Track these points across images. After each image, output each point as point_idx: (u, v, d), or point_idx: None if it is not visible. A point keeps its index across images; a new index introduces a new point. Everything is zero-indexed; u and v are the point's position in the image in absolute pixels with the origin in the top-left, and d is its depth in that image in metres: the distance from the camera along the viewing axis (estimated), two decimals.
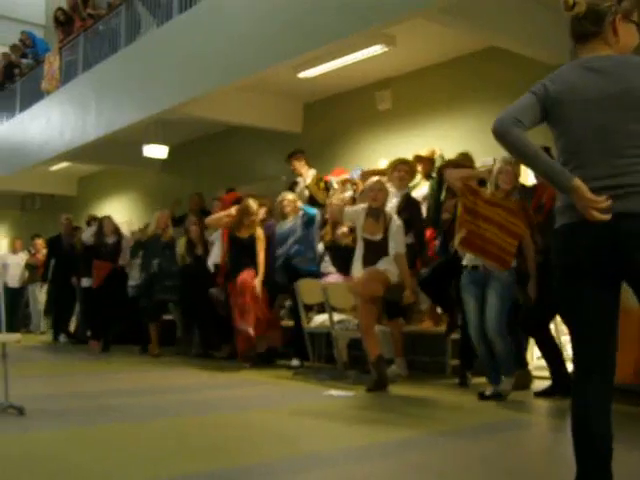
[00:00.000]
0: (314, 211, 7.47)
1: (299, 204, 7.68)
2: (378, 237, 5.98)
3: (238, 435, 4.21)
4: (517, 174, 5.57)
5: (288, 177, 8.88)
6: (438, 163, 7.13)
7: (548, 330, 5.64)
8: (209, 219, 8.25)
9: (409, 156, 7.21)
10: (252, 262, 7.55)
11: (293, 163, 8.56)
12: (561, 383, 5.34)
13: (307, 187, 8.28)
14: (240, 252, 7.65)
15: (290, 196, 7.80)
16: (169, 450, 3.76)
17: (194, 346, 9.00)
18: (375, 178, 6.22)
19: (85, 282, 10.22)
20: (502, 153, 6.99)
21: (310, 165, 8.54)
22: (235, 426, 4.51)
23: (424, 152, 7.29)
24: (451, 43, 7.39)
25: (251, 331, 7.27)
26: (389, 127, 8.43)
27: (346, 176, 7.79)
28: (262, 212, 8.11)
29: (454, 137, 7.55)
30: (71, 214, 12.00)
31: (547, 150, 5.48)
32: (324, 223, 7.51)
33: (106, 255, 9.58)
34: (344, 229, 7.15)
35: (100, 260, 9.58)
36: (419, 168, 7.16)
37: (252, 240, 7.63)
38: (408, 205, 6.61)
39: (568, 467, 2.44)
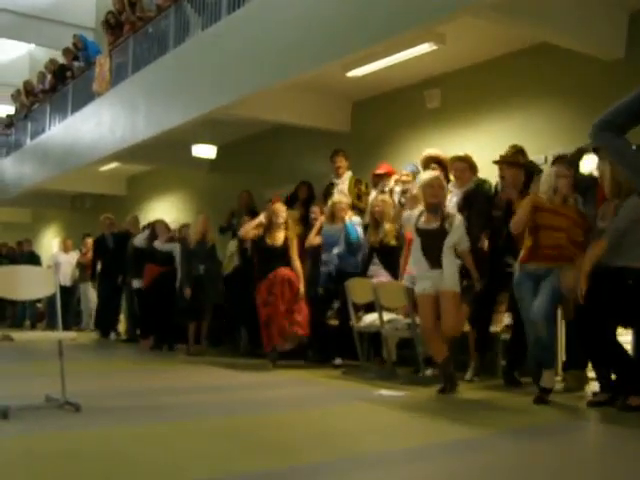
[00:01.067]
0: (355, 235, 7.50)
1: (350, 215, 7.69)
2: (434, 226, 5.74)
3: (292, 435, 4.21)
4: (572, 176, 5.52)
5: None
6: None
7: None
8: (241, 232, 8.27)
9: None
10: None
11: (338, 160, 8.55)
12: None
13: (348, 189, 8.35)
14: (270, 259, 7.56)
15: (345, 200, 7.80)
16: (224, 448, 3.79)
17: (242, 345, 9.07)
18: (433, 174, 6.05)
19: (136, 283, 10.40)
20: (552, 151, 6.95)
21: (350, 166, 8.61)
22: (288, 425, 4.52)
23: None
24: (500, 40, 7.29)
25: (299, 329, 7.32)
26: (438, 126, 8.36)
27: (397, 176, 7.69)
28: (294, 215, 8.19)
29: (504, 136, 7.44)
30: (111, 214, 12.20)
31: None
32: (366, 226, 7.51)
33: (157, 258, 9.70)
34: (388, 227, 7.14)
35: (151, 263, 9.70)
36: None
37: (280, 248, 7.56)
38: (466, 200, 6.44)
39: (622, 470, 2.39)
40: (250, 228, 7.90)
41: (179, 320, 9.20)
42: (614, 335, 4.97)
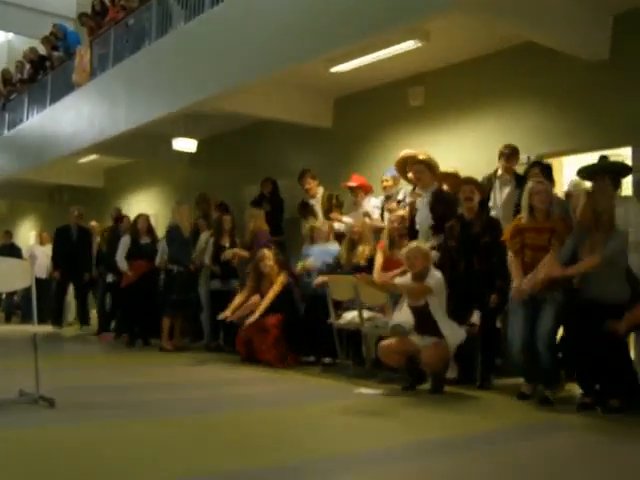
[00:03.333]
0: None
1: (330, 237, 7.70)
2: (421, 303, 5.72)
3: (269, 433, 4.17)
4: (550, 191, 5.52)
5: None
6: None
7: None
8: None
9: (438, 153, 7.12)
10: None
11: (308, 182, 8.52)
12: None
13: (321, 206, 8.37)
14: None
15: (326, 227, 7.75)
16: (200, 446, 3.73)
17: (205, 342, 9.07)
18: (412, 245, 5.97)
19: (109, 277, 10.31)
20: (535, 152, 6.96)
21: (320, 183, 8.62)
22: (266, 423, 4.48)
23: (449, 169, 7.12)
24: (485, 39, 7.28)
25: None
26: (421, 123, 8.33)
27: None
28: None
29: (487, 135, 7.45)
30: (89, 207, 12.10)
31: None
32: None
33: (142, 254, 9.55)
34: (361, 249, 7.12)
35: (136, 259, 9.55)
36: (444, 186, 6.99)
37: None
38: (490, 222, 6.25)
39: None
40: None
41: (169, 314, 8.97)
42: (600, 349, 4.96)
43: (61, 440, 3.80)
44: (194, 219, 9.62)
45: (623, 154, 6.88)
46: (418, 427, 4.47)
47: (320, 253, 7.59)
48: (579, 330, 5.06)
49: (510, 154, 6.60)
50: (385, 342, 5.89)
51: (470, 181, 6.30)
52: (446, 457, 3.70)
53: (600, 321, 4.86)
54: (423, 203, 6.63)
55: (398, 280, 6.06)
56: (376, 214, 7.75)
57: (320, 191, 8.54)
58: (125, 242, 9.69)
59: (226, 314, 7.58)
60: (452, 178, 6.75)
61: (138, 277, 9.43)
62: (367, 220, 7.58)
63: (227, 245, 8.77)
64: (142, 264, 9.47)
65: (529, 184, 5.58)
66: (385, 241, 6.90)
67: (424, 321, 5.68)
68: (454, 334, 5.65)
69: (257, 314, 7.34)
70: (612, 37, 6.61)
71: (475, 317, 6.34)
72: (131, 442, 3.80)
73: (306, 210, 8.55)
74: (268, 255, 7.65)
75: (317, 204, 8.49)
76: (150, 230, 9.80)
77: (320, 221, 7.92)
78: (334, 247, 7.61)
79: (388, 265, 6.72)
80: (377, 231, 7.43)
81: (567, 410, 5.09)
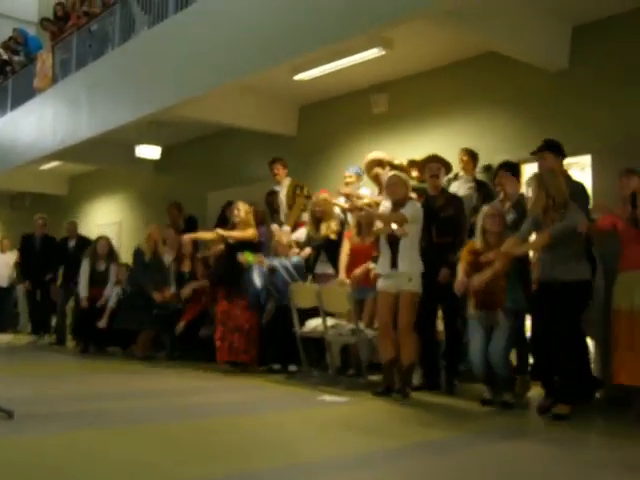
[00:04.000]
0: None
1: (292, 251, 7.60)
2: (390, 231, 5.81)
3: (231, 441, 4.14)
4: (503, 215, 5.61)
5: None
6: None
7: None
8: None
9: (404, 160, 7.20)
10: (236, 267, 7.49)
11: (277, 168, 8.52)
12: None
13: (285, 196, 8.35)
14: (232, 258, 7.56)
15: (285, 238, 7.63)
16: (160, 456, 3.69)
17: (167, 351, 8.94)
18: (392, 172, 6.11)
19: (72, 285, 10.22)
20: (497, 159, 7.03)
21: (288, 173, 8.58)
22: (228, 432, 4.45)
23: (418, 157, 7.22)
24: (449, 47, 7.35)
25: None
26: (385, 131, 8.38)
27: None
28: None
29: (450, 142, 7.51)
30: (52, 214, 11.93)
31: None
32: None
33: (97, 282, 9.52)
34: (328, 224, 7.15)
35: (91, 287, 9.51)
36: (414, 173, 7.10)
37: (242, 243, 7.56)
38: (452, 197, 6.41)
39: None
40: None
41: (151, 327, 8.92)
42: (560, 344, 5.01)
43: (18, 452, 3.73)
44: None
45: (582, 162, 7.01)
46: (380, 434, 4.47)
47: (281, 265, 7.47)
48: (537, 320, 5.14)
49: (468, 156, 6.69)
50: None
51: (435, 159, 6.38)
52: (407, 463, 3.70)
53: (557, 302, 4.93)
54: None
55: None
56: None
57: (287, 180, 8.48)
58: (85, 269, 9.68)
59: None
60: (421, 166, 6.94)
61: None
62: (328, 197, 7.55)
63: (187, 270, 8.74)
64: (93, 292, 9.47)
65: (484, 208, 5.67)
66: (353, 230, 6.92)
67: (394, 252, 5.76)
68: (412, 271, 5.72)
69: (224, 234, 7.54)
70: (571, 47, 6.72)
71: (439, 325, 6.41)
72: (89, 453, 3.74)
73: (272, 198, 8.50)
74: (240, 206, 7.63)
75: (282, 191, 8.45)
76: (110, 253, 9.76)
77: (279, 231, 7.81)
78: (296, 259, 7.50)
79: (357, 253, 6.75)
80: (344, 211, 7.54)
81: (528, 414, 5.15)
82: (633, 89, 6.24)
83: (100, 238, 9.95)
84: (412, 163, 7.18)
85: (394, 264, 5.77)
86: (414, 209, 5.79)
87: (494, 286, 5.27)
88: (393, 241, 5.80)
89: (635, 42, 6.25)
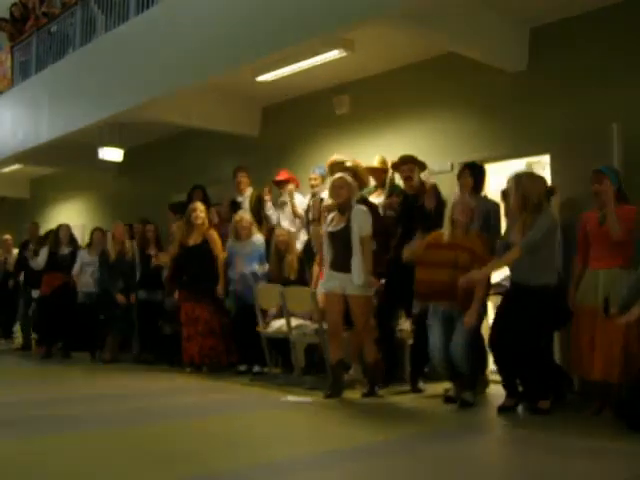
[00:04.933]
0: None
1: (255, 231, 7.62)
2: (341, 226, 5.80)
3: (194, 444, 4.14)
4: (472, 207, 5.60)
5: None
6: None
7: None
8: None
9: (365, 162, 7.23)
10: (202, 270, 7.49)
11: (241, 176, 8.47)
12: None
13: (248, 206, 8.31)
14: (189, 261, 7.57)
15: (248, 217, 7.66)
16: (123, 460, 3.68)
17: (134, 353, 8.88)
18: (337, 175, 6.10)
19: (35, 293, 10.08)
20: (458, 159, 7.12)
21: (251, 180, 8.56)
22: (191, 434, 4.44)
23: (375, 162, 7.26)
24: (409, 49, 7.40)
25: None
26: (347, 132, 8.41)
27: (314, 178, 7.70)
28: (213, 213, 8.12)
29: (412, 142, 7.57)
30: (17, 217, 11.74)
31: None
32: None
33: (60, 266, 9.39)
34: (290, 259, 7.14)
35: (53, 271, 9.39)
36: (371, 179, 7.16)
37: (201, 247, 7.55)
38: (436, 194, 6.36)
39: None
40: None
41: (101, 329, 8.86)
42: (529, 347, 5.07)
43: None
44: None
45: (543, 161, 7.12)
46: (342, 433, 4.49)
47: (245, 254, 7.47)
48: (501, 320, 5.17)
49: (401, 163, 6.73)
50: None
51: (406, 160, 6.41)
52: (366, 463, 3.73)
53: (523, 306, 4.99)
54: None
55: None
56: (301, 209, 7.78)
57: (249, 190, 8.46)
58: (44, 252, 9.62)
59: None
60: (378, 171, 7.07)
61: (52, 290, 9.31)
62: (291, 230, 7.61)
63: (153, 253, 8.70)
64: (57, 277, 9.34)
65: (453, 197, 5.71)
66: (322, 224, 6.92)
67: (342, 252, 5.74)
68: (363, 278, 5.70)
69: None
70: (530, 49, 6.81)
71: (406, 324, 6.45)
72: (51, 459, 3.72)
73: (235, 209, 8.49)
74: (201, 207, 7.64)
75: (245, 201, 8.43)
76: (72, 240, 9.64)
77: (240, 214, 7.75)
78: (259, 241, 7.53)
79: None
80: (299, 217, 7.67)
81: (488, 413, 5.21)
82: (590, 89, 6.34)
83: (61, 225, 9.88)
84: (371, 170, 7.19)
85: (339, 265, 5.78)
86: (362, 212, 5.84)
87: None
88: (338, 241, 5.80)
89: (592, 43, 6.35)
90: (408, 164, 6.44)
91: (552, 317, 5.10)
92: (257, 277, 7.34)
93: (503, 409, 5.19)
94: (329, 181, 6.18)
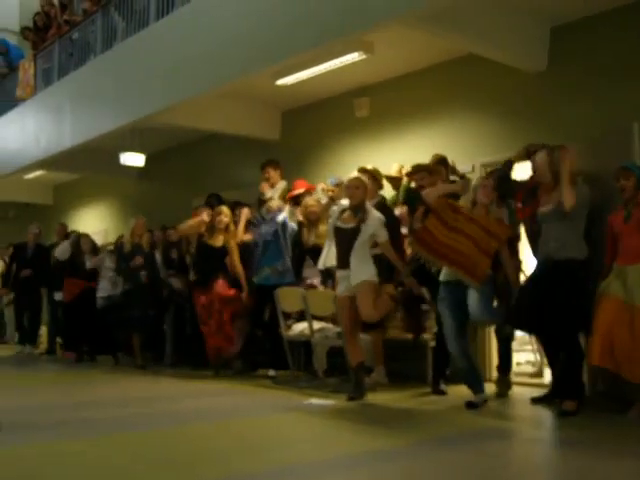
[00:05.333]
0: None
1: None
2: (350, 225, 5.77)
3: (219, 446, 4.15)
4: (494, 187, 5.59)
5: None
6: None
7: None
8: (180, 227, 8.26)
9: (384, 164, 7.21)
10: (213, 270, 7.54)
11: (269, 171, 8.46)
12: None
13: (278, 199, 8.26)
14: (208, 259, 7.61)
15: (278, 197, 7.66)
16: (149, 463, 3.70)
17: (166, 356, 8.96)
18: (353, 175, 6.10)
19: (57, 296, 10.19)
20: (480, 160, 7.11)
21: (283, 176, 8.51)
22: (214, 437, 4.46)
23: (393, 171, 7.26)
24: (429, 50, 7.39)
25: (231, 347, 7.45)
26: (367, 134, 8.41)
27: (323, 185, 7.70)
28: (245, 214, 8.12)
29: (433, 144, 7.54)
30: (41, 223, 11.84)
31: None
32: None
33: (80, 272, 9.50)
34: (322, 229, 7.16)
35: (73, 277, 9.51)
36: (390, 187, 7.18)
37: (219, 251, 7.60)
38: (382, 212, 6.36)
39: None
40: (189, 225, 7.96)
41: (120, 332, 8.87)
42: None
43: (7, 461, 3.73)
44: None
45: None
46: (367, 436, 4.49)
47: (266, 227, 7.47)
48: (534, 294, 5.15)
49: (443, 160, 6.70)
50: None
51: (418, 169, 6.40)
52: (393, 464, 3.72)
53: (554, 280, 4.99)
54: None
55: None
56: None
57: (282, 183, 8.39)
58: (66, 244, 9.91)
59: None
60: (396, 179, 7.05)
61: (74, 297, 9.42)
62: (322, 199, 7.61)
63: (175, 257, 8.80)
64: (77, 283, 9.46)
65: (477, 180, 5.73)
66: None
67: (346, 249, 5.73)
68: (363, 269, 5.69)
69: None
70: (550, 49, 6.77)
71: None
72: (76, 463, 3.75)
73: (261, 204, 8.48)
74: (226, 212, 7.67)
75: (276, 194, 8.36)
76: (94, 250, 9.75)
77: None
78: (282, 216, 7.48)
79: None
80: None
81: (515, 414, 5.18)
82: (610, 89, 6.30)
83: (82, 235, 9.99)
84: (389, 178, 7.21)
85: (345, 263, 5.77)
86: (379, 217, 5.85)
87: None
88: (343, 237, 5.80)
89: (612, 43, 6.31)
90: (418, 173, 6.40)
91: (583, 293, 5.05)
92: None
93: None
94: (345, 181, 6.16)
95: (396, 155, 7.47)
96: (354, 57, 7.17)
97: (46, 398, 6.28)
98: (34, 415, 5.16)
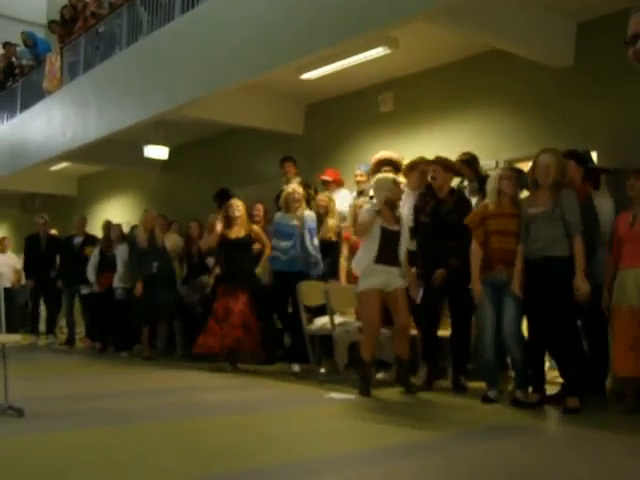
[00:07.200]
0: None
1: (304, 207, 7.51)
2: (396, 228, 5.91)
3: (238, 439, 4.17)
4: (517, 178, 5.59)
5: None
6: None
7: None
8: (203, 245, 8.43)
9: (408, 159, 7.19)
10: (242, 264, 7.56)
11: (288, 166, 8.51)
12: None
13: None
14: (232, 254, 7.61)
15: (301, 190, 7.52)
16: (172, 453, 3.73)
17: (178, 349, 9.06)
18: (389, 174, 6.17)
19: (84, 290, 10.37)
20: (503, 156, 7.06)
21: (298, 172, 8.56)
22: (238, 429, 4.48)
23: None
24: (454, 46, 7.36)
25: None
26: (391, 129, 8.40)
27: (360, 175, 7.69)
28: (259, 209, 8.16)
29: (456, 140, 7.53)
30: (64, 214, 11.97)
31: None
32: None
33: (111, 265, 9.58)
34: (331, 223, 7.32)
35: (105, 271, 9.62)
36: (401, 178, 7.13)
37: (243, 241, 7.60)
38: (461, 203, 6.30)
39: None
40: (208, 242, 8.18)
41: (135, 322, 8.90)
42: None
43: (30, 449, 3.78)
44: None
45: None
46: (387, 430, 4.49)
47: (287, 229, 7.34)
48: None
49: (469, 160, 6.66)
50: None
51: (436, 161, 6.37)
52: (414, 460, 3.73)
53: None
54: (407, 204, 6.57)
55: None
56: (344, 205, 7.75)
57: (297, 180, 8.41)
58: (95, 254, 9.89)
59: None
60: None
61: (105, 289, 9.51)
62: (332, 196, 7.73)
63: (195, 252, 8.88)
64: (108, 276, 9.51)
65: (498, 170, 5.71)
66: (351, 228, 6.93)
67: (392, 249, 5.82)
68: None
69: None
70: (576, 45, 6.72)
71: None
72: (100, 450, 3.79)
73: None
74: (238, 202, 7.74)
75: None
76: (124, 238, 9.81)
77: (292, 186, 7.64)
78: (310, 213, 7.40)
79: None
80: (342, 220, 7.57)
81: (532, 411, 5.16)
82: (638, 85, 6.23)
83: (112, 224, 10.08)
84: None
85: (387, 260, 5.81)
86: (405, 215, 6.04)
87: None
88: (390, 237, 5.84)
89: None
90: (434, 164, 6.34)
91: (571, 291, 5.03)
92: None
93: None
94: (382, 178, 6.11)
95: (420, 150, 7.43)
96: (378, 52, 7.16)
97: (70, 388, 6.35)
98: (58, 404, 5.22)
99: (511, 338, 5.30)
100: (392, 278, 5.82)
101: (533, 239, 5.18)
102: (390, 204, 5.92)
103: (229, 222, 7.71)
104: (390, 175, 6.17)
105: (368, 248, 5.86)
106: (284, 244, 7.26)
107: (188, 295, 8.85)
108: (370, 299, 5.80)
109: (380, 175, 6.23)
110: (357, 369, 5.99)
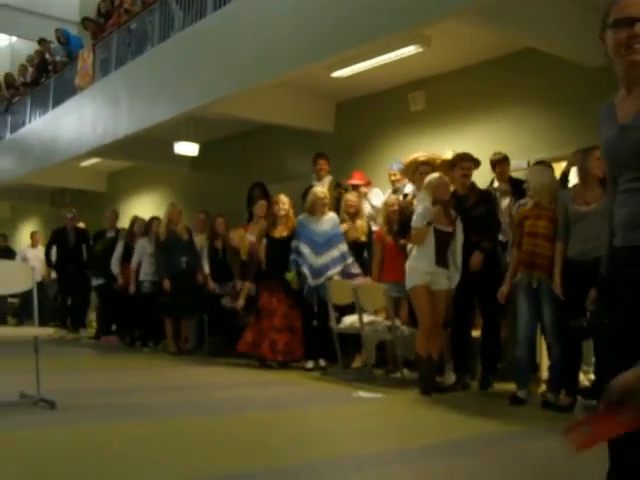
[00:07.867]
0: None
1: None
2: (450, 229, 5.90)
3: (266, 436, 4.18)
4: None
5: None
6: None
7: None
8: (233, 239, 8.42)
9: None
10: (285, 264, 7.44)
11: (321, 163, 8.49)
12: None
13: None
14: (273, 253, 7.53)
15: (327, 194, 7.49)
16: (200, 448, 3.75)
17: (206, 346, 9.04)
18: (437, 174, 6.07)
19: (94, 282, 10.60)
20: (535, 156, 6.97)
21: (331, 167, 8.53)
22: (265, 426, 4.49)
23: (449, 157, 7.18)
24: (486, 44, 7.31)
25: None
26: (422, 128, 8.37)
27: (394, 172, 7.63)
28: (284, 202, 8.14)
29: (487, 139, 7.48)
30: (94, 210, 12.08)
31: None
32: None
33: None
34: (360, 223, 7.27)
35: (128, 264, 9.65)
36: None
37: (287, 241, 7.43)
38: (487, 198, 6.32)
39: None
40: (236, 240, 8.24)
41: (160, 316, 8.94)
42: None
43: (61, 441, 3.82)
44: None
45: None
46: (416, 429, 4.49)
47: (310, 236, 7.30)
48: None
49: (500, 160, 6.61)
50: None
51: (468, 157, 6.33)
52: (444, 459, 3.72)
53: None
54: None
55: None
56: (377, 202, 7.74)
57: (328, 177, 8.39)
58: (119, 249, 9.95)
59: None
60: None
61: (127, 283, 9.57)
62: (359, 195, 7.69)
63: (220, 248, 8.85)
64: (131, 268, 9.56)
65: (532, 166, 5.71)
66: (384, 227, 6.88)
67: (444, 250, 5.85)
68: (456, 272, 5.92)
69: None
70: None
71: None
72: (131, 443, 3.82)
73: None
74: (284, 199, 7.62)
75: (324, 188, 8.34)
76: (146, 232, 9.86)
77: (321, 189, 7.62)
78: (331, 221, 7.33)
79: (392, 251, 6.74)
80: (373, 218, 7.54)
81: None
82: None
83: (137, 218, 10.13)
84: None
85: (442, 261, 5.83)
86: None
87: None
88: (444, 239, 5.84)
89: None
90: (468, 161, 6.28)
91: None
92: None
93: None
94: (435, 178, 6.01)
95: (450, 149, 7.40)
96: (410, 50, 7.14)
97: (101, 381, 6.41)
98: (87, 397, 5.26)
99: (552, 337, 5.28)
100: (438, 278, 5.82)
101: (582, 238, 5.04)
102: (444, 204, 5.89)
103: (274, 220, 7.64)
104: (442, 176, 6.03)
105: (423, 252, 5.85)
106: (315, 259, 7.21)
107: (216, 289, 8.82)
108: (420, 295, 5.81)
109: (433, 176, 6.07)
110: (415, 368, 6.07)
